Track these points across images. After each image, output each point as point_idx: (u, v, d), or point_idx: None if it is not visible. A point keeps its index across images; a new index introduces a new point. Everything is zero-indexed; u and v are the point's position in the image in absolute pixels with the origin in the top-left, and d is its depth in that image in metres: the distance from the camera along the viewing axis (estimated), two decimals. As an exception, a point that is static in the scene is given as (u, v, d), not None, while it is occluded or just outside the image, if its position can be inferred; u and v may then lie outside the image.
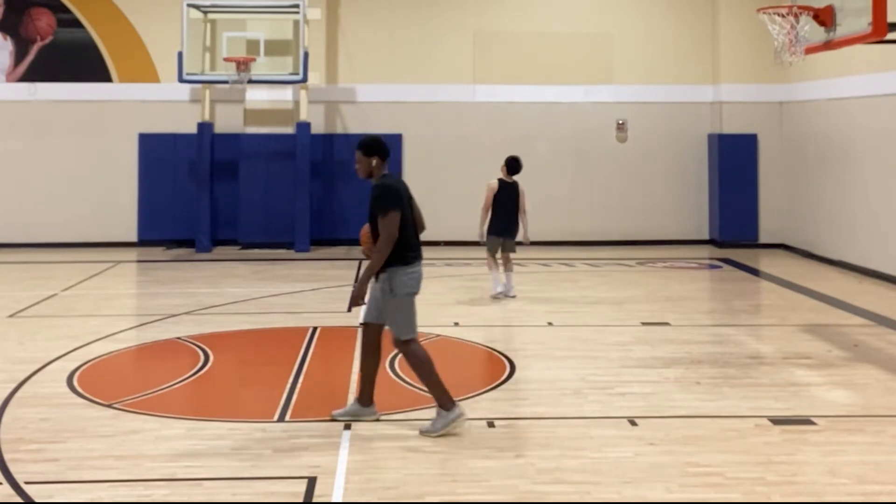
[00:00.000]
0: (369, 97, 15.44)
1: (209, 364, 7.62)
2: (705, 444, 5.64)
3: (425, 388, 6.04)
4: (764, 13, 9.13)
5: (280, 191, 14.95)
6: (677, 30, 15.67)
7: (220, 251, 14.68)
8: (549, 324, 9.25)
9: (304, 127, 14.71)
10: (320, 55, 15.27)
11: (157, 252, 14.57)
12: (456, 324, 9.18)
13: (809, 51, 9.00)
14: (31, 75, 15.20)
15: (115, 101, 15.23)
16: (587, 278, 12.19)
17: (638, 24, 15.66)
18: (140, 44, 15.29)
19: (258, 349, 8.37)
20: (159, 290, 11.56)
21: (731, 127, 15.25)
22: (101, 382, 7.03)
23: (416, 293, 6.06)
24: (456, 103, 15.48)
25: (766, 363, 7.65)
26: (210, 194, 14.79)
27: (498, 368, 7.48)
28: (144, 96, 15.25)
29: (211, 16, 14.89)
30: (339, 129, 15.44)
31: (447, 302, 10.44)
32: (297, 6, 14.40)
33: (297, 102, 15.03)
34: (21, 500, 4.81)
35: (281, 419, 6.14)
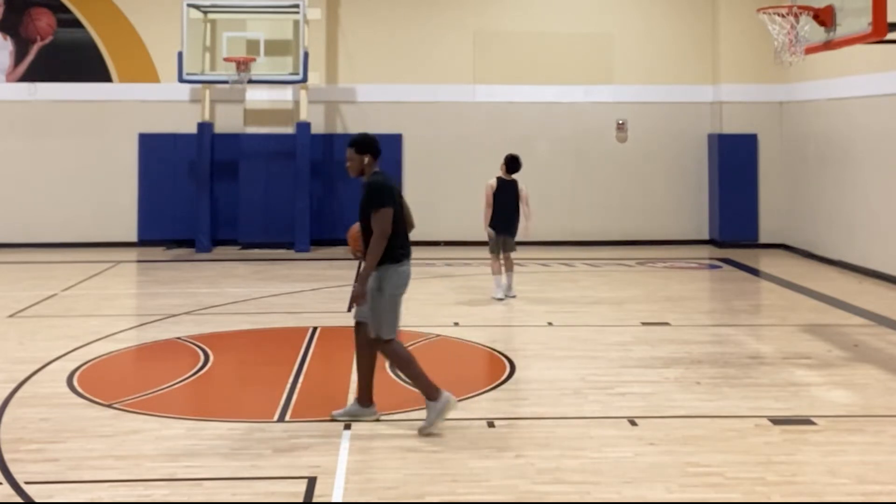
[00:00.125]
0: (369, 97, 15.44)
1: (209, 364, 7.62)
2: (705, 444, 5.64)
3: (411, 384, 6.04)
4: (764, 13, 9.13)
5: (280, 191, 14.96)
6: (677, 30, 15.67)
7: (220, 251, 14.68)
8: (549, 324, 9.25)
9: (304, 127, 14.72)
10: (320, 55, 15.27)
11: (157, 252, 14.57)
12: (456, 324, 9.18)
13: (809, 51, 9.00)
14: (31, 75, 15.20)
15: (115, 101, 15.23)
16: (587, 278, 12.19)
17: (638, 24, 15.66)
18: (140, 44, 15.29)
19: (258, 349, 8.37)
20: (159, 290, 11.57)
21: (731, 127, 15.25)
22: (101, 382, 7.03)
23: (403, 292, 6.03)
24: (456, 103, 15.48)
25: (766, 363, 7.65)
26: (210, 194, 14.79)
27: (498, 368, 7.48)
28: (144, 96, 15.25)
29: (211, 16, 14.89)
30: (339, 129, 15.44)
31: (447, 302, 10.44)
32: (297, 6, 14.40)
33: (297, 102, 15.03)
34: (21, 500, 4.81)
35: (281, 419, 6.14)
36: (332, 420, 6.01)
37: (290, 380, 7.07)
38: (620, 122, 15.59)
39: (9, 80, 15.19)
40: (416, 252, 14.32)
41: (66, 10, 15.23)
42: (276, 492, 4.91)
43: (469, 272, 12.43)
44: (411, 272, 6.11)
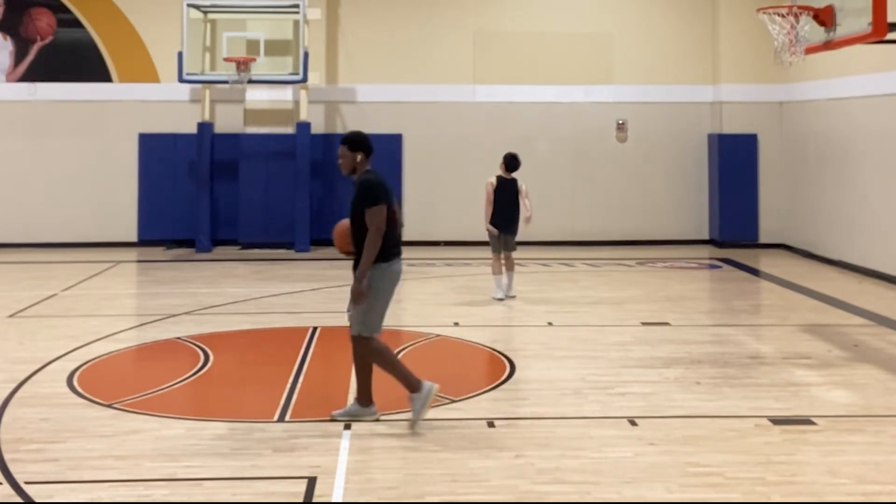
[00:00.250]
0: (369, 97, 15.44)
1: (209, 364, 7.62)
2: (705, 444, 5.64)
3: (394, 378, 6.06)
4: (764, 13, 9.13)
5: (280, 191, 14.96)
6: (677, 30, 15.67)
7: (220, 251, 14.68)
8: (549, 324, 9.25)
9: (304, 127, 14.72)
10: (320, 55, 15.27)
11: (157, 252, 14.57)
12: (456, 324, 9.18)
13: (809, 51, 9.00)
14: (31, 75, 15.20)
15: (115, 101, 15.23)
16: (587, 278, 12.19)
17: (638, 24, 15.66)
18: (140, 44, 15.29)
19: (258, 349, 8.37)
20: (159, 290, 11.57)
21: (731, 127, 15.25)
22: (101, 382, 7.03)
23: (392, 291, 6.03)
24: (456, 103, 15.48)
25: (766, 363, 7.65)
26: (210, 194, 14.79)
27: (498, 368, 7.48)
28: (144, 96, 15.25)
29: (211, 16, 14.89)
30: (339, 129, 15.44)
31: (447, 302, 10.44)
32: (297, 6, 14.41)
33: (297, 102, 15.03)
34: (21, 500, 4.81)
35: (281, 419, 6.14)
36: (332, 420, 6.01)
37: (290, 380, 7.07)
38: (620, 122, 15.59)
39: (9, 80, 15.19)
40: (416, 252, 14.37)
41: (66, 10, 15.23)
42: (276, 492, 4.91)
43: (469, 272, 12.43)
44: (402, 271, 6.12)
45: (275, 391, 6.74)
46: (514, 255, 10.63)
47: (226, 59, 14.25)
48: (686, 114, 15.63)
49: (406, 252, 14.46)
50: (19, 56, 15.21)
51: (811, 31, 8.83)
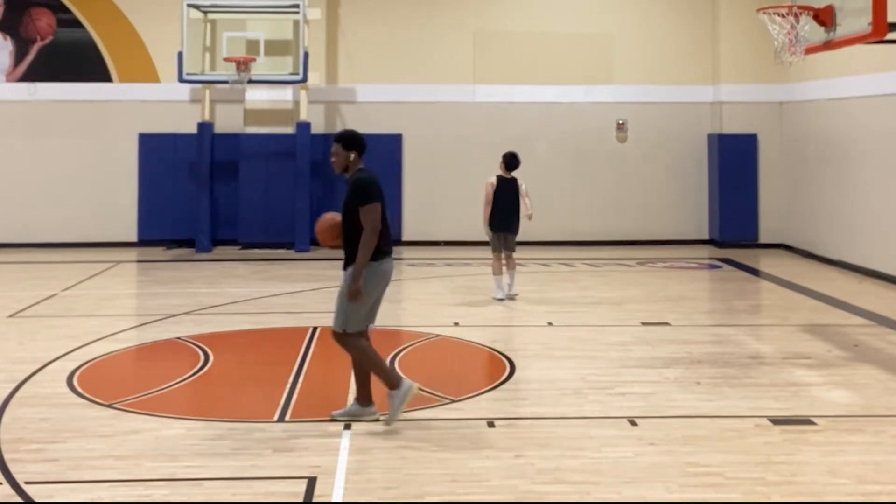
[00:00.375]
0: (369, 97, 15.44)
1: (209, 364, 7.62)
2: (705, 444, 5.64)
3: (377, 378, 6.07)
4: (764, 13, 9.13)
5: (280, 191, 14.96)
6: (677, 30, 15.67)
7: (220, 251, 14.68)
8: (549, 324, 9.25)
9: (304, 127, 14.72)
10: (320, 55, 15.27)
11: (157, 252, 14.57)
12: (456, 324, 9.18)
13: (809, 51, 9.00)
14: (31, 75, 15.20)
15: (115, 101, 15.23)
16: (587, 278, 12.19)
17: (638, 24, 15.66)
18: (140, 44, 15.30)
19: (258, 349, 8.37)
20: (159, 290, 11.56)
21: (731, 127, 15.25)
22: (101, 382, 7.03)
23: (382, 290, 6.02)
24: (456, 103, 15.48)
25: (766, 363, 7.65)
26: (210, 194, 14.79)
27: (498, 368, 7.48)
28: (144, 96, 15.25)
29: (211, 16, 14.89)
30: (339, 129, 15.42)
31: (447, 302, 10.44)
32: (297, 6, 14.41)
33: (297, 102, 15.03)
34: (21, 500, 4.81)
35: (281, 419, 6.14)
36: (332, 420, 6.01)
37: (290, 380, 7.07)
38: (620, 122, 15.59)
39: (9, 80, 15.19)
40: (416, 252, 14.34)
41: (66, 10, 15.23)
42: (276, 492, 4.91)
43: (469, 272, 12.43)
44: (392, 270, 6.12)
45: (275, 391, 6.74)
46: (514, 254, 10.61)
47: (226, 59, 14.25)
48: (686, 114, 15.63)
49: (406, 252, 14.58)
50: (19, 56, 15.21)
51: (811, 31, 8.83)
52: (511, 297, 10.41)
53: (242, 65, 14.08)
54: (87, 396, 6.61)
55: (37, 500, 4.80)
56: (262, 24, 14.87)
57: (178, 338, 8.52)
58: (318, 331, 8.79)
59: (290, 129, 15.14)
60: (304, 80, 14.38)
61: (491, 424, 6.03)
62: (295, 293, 11.03)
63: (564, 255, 14.12)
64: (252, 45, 14.59)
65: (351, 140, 6.12)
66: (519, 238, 10.58)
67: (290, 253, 14.50)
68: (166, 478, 5.11)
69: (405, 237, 15.07)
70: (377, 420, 6.01)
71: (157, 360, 8.02)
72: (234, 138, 15.07)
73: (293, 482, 5.03)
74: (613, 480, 5.06)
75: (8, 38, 15.21)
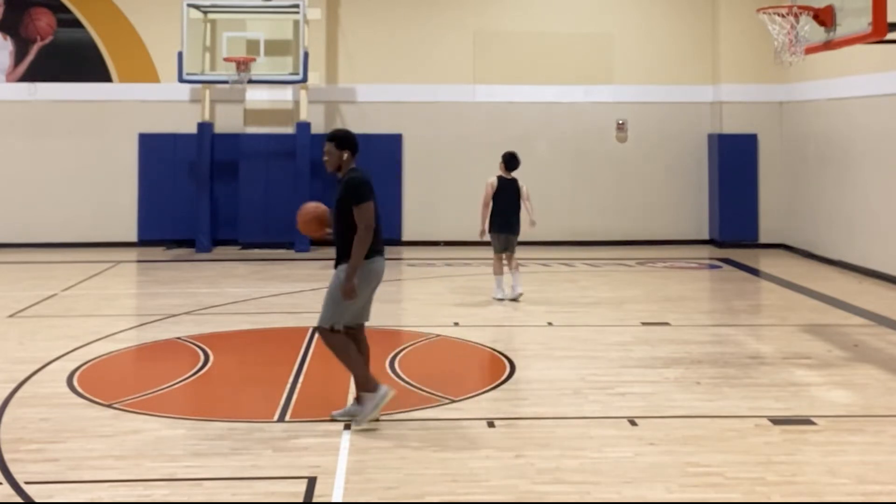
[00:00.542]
0: (369, 97, 15.44)
1: (209, 364, 7.62)
2: (705, 444, 5.64)
3: (354, 377, 6.07)
4: (764, 13, 9.13)
5: (280, 191, 14.95)
6: (677, 30, 15.67)
7: (220, 251, 14.68)
8: (549, 324, 9.25)
9: (304, 127, 14.72)
10: (320, 55, 15.27)
11: (157, 252, 14.57)
12: (456, 324, 9.18)
13: (809, 51, 9.00)
14: (31, 75, 15.20)
15: (115, 101, 15.24)
16: (587, 278, 12.19)
17: (638, 24, 15.66)
18: (140, 44, 15.30)
19: (258, 349, 8.37)
20: (159, 290, 11.56)
21: (731, 127, 15.25)
22: (101, 382, 7.03)
23: (371, 288, 6.02)
24: (456, 103, 15.48)
25: (766, 363, 7.65)
26: (210, 194, 14.79)
27: (498, 368, 7.48)
28: (144, 96, 15.25)
29: (211, 16, 14.89)
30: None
31: (447, 302, 10.44)
32: (297, 6, 14.41)
33: (297, 102, 15.03)
34: (21, 500, 4.81)
35: (281, 419, 6.13)
36: (332, 420, 6.01)
37: (290, 380, 7.07)
38: (620, 122, 15.59)
39: (9, 80, 15.19)
40: (416, 252, 14.33)
41: (66, 10, 15.23)
42: (276, 492, 4.91)
43: (469, 272, 12.43)
44: (383, 269, 6.11)
45: (275, 391, 6.74)
46: (514, 255, 10.56)
47: (226, 59, 14.25)
48: (686, 114, 15.63)
49: (406, 252, 14.58)
50: (19, 56, 15.21)
51: (811, 31, 8.83)
52: (515, 299, 10.31)
53: (242, 65, 14.09)
54: (87, 396, 6.61)
55: (37, 500, 4.80)
56: (262, 24, 14.87)
57: (178, 338, 8.52)
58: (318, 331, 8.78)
59: (290, 129, 15.14)
60: (304, 80, 14.38)
61: (491, 424, 6.03)
62: (295, 293, 11.03)
63: (564, 255, 14.12)
64: (252, 45, 14.60)
65: (344, 139, 6.14)
66: (519, 238, 10.56)
67: (290, 253, 14.50)
68: (166, 478, 5.11)
69: (405, 237, 15.07)
70: (378, 420, 6.00)
71: (157, 360, 8.02)
72: (234, 138, 15.08)
73: (293, 482, 5.03)
74: (613, 480, 5.06)
75: (8, 38, 15.21)
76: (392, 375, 7.11)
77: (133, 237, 15.11)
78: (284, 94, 15.25)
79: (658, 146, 15.55)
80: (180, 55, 14.25)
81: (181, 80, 14.34)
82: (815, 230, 13.95)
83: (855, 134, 12.68)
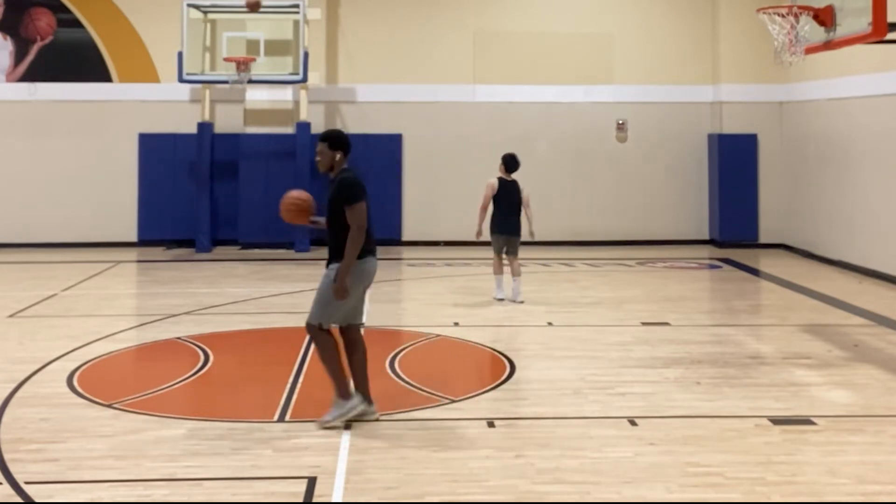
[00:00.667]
0: (369, 97, 15.44)
1: (209, 364, 7.62)
2: (705, 444, 5.64)
3: (359, 378, 6.07)
4: (764, 13, 9.13)
5: (280, 191, 14.66)
6: (677, 30, 15.67)
7: (220, 251, 14.68)
8: (549, 324, 9.25)
9: (304, 127, 14.72)
10: (320, 55, 15.27)
11: (157, 252, 14.57)
12: (456, 324, 9.18)
13: (809, 51, 9.00)
14: (31, 75, 15.20)
15: (115, 101, 15.24)
16: (587, 278, 12.19)
17: (638, 24, 15.66)
18: (140, 44, 15.30)
19: (258, 349, 8.37)
20: (159, 290, 11.56)
21: (731, 127, 15.25)
22: (101, 382, 7.03)
23: (361, 289, 6.02)
24: (456, 103, 15.48)
25: (766, 363, 7.65)
26: (210, 194, 14.79)
27: (498, 368, 7.48)
28: (144, 96, 15.25)
29: (211, 16, 14.89)
30: (339, 129, 15.42)
31: (447, 302, 10.43)
32: (297, 6, 14.40)
33: (297, 102, 15.03)
34: (21, 500, 4.81)
35: (281, 419, 6.13)
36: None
37: (290, 380, 7.07)
38: (620, 122, 15.59)
39: (9, 80, 15.19)
40: (416, 252, 14.31)
41: (66, 10, 15.23)
42: (276, 492, 4.91)
43: (469, 272, 12.43)
44: (376, 270, 6.12)
45: (275, 391, 6.74)
46: (518, 259, 10.37)
47: (226, 59, 14.25)
48: (686, 114, 15.63)
49: (406, 252, 14.56)
50: (19, 56, 15.21)
51: (811, 31, 8.83)
52: (516, 302, 10.24)
53: (242, 65, 14.09)
54: (87, 396, 6.61)
55: (37, 500, 4.80)
56: (261, 24, 14.86)
57: (178, 338, 8.52)
58: (318, 331, 8.78)
59: (290, 129, 15.13)
60: (304, 80, 14.38)
61: (491, 424, 6.03)
62: (295, 293, 11.03)
63: (564, 255, 14.12)
64: (252, 45, 14.60)
65: (336, 140, 6.16)
66: (523, 239, 10.47)
67: (290, 253, 14.50)
68: (166, 478, 5.11)
69: (405, 237, 15.07)
70: (378, 420, 6.01)
71: (157, 360, 8.02)
72: (234, 138, 15.07)
73: (293, 482, 5.03)
74: (613, 480, 5.06)
75: (8, 38, 15.21)
76: (392, 375, 7.12)
77: (133, 237, 15.11)
78: (284, 94, 15.25)
79: (658, 146, 15.55)
80: (180, 55, 14.25)
81: (181, 80, 14.34)
82: (815, 230, 13.95)
83: (855, 134, 12.68)
